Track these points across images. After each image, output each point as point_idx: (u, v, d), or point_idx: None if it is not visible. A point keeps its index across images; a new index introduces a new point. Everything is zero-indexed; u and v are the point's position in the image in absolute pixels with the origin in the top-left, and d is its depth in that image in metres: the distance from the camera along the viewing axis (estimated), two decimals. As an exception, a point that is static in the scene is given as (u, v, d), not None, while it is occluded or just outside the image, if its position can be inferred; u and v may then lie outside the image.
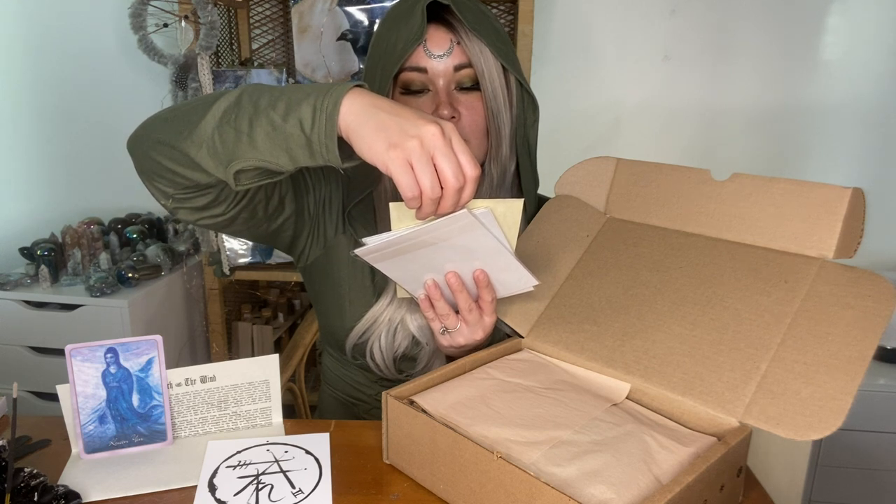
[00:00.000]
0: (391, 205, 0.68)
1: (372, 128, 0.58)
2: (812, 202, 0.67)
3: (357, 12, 1.69)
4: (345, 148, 0.61)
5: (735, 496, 0.64)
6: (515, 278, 0.73)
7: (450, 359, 0.85)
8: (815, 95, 1.84)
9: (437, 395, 0.69)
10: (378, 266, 0.72)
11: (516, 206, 0.69)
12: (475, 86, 0.81)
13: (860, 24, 1.78)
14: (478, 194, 0.84)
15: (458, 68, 0.80)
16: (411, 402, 0.68)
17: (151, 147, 0.68)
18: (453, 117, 0.80)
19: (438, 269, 0.72)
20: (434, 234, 0.65)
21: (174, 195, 0.72)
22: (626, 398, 0.70)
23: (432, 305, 0.76)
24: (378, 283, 0.88)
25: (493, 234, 0.66)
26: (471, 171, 0.60)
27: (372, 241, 0.66)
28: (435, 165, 0.58)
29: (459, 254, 0.69)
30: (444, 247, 0.68)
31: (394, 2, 1.67)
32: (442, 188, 0.59)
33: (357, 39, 1.71)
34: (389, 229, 0.69)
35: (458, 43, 0.79)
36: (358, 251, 0.67)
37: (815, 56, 1.82)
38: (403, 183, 0.58)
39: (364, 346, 0.89)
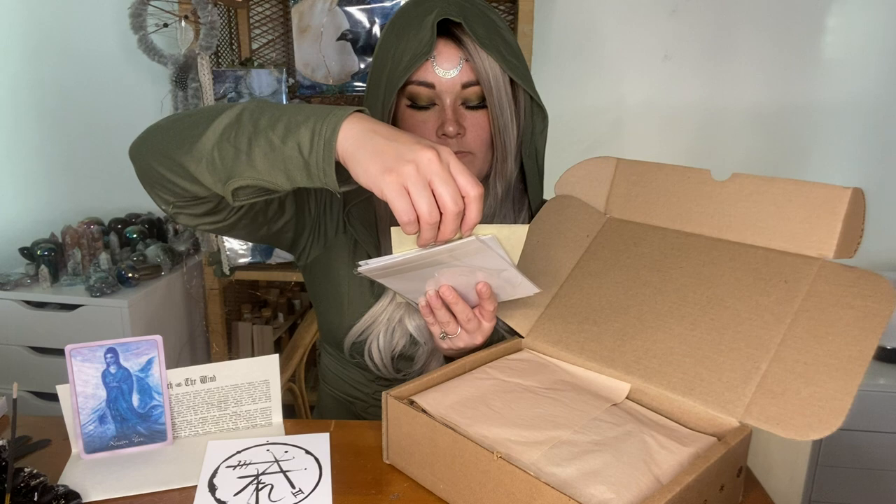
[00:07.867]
0: (392, 229, 0.67)
1: (368, 153, 0.58)
2: (812, 202, 0.67)
3: (357, 12, 1.69)
4: (342, 172, 0.61)
5: (735, 496, 0.64)
6: (517, 287, 0.73)
7: (447, 359, 0.85)
8: (815, 95, 1.84)
9: (437, 395, 0.69)
10: (380, 280, 0.72)
11: (521, 231, 0.69)
12: (482, 103, 0.81)
13: (860, 24, 1.78)
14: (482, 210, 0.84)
15: (465, 85, 0.79)
16: (411, 402, 0.68)
17: (152, 157, 0.69)
18: (459, 133, 0.79)
19: (440, 282, 0.72)
20: (440, 258, 0.65)
21: (174, 202, 0.73)
22: (626, 398, 0.70)
23: (433, 312, 0.76)
24: (377, 283, 0.88)
25: (498, 254, 0.66)
26: (472, 189, 0.58)
27: (375, 263, 0.66)
28: (433, 191, 0.57)
29: (462, 270, 0.69)
30: (447, 264, 0.68)
31: (396, 2, 1.67)
32: (441, 213, 0.58)
33: (357, 39, 1.71)
34: (388, 229, 0.68)
35: (467, 60, 0.78)
36: (361, 269, 0.67)
37: (816, 56, 1.82)
38: (398, 207, 0.57)
39: (362, 344, 0.89)
